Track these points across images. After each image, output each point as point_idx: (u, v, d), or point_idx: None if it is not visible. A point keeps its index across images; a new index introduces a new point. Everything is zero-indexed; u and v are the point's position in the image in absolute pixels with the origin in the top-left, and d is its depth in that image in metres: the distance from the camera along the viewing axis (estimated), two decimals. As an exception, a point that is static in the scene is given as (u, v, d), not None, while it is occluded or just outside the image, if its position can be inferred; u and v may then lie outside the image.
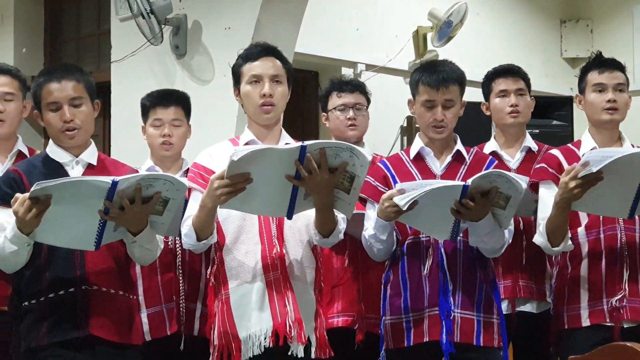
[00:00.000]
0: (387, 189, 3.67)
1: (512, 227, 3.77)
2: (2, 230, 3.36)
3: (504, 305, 4.21)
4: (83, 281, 3.46)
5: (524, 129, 4.55)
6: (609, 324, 3.81)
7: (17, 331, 3.52)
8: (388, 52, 7.85)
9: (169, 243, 4.10)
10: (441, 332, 3.67)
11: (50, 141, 3.62)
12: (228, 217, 3.61)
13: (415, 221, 3.59)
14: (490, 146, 4.49)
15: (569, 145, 4.02)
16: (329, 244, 3.70)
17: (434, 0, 7.94)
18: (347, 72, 7.42)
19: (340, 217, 3.63)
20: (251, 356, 3.54)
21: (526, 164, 4.30)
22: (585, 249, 3.87)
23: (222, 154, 3.62)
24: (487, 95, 4.56)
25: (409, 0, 8.21)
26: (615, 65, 3.99)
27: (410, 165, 3.84)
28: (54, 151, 3.59)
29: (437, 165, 3.83)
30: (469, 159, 3.85)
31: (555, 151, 3.99)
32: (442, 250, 3.72)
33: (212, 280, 3.69)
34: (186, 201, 3.58)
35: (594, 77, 3.97)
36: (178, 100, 4.33)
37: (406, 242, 3.77)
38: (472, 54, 8.01)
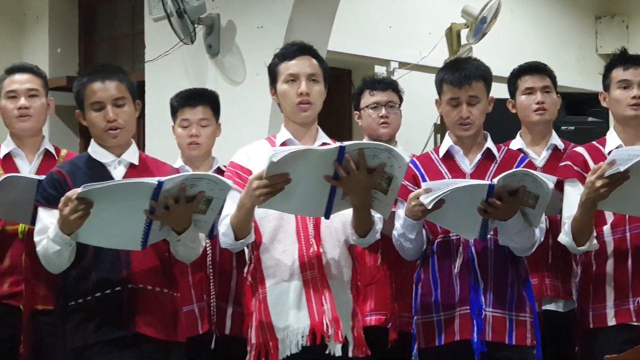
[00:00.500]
0: (416, 188, 3.65)
1: (543, 226, 3.75)
2: (47, 231, 3.40)
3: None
4: (129, 280, 3.49)
5: (550, 127, 4.53)
6: (636, 324, 3.75)
7: (63, 331, 3.54)
8: (421, 49, 7.83)
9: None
10: (472, 331, 3.65)
11: (92, 141, 3.64)
12: (265, 216, 3.62)
13: (443, 220, 3.59)
14: (516, 144, 4.45)
15: (594, 142, 3.98)
16: (366, 243, 3.70)
17: (466, -3, 7.93)
18: (380, 70, 7.42)
19: (377, 217, 3.64)
20: (288, 355, 3.55)
21: (552, 162, 4.27)
22: (610, 247, 3.82)
23: (259, 154, 3.64)
24: (512, 93, 4.54)
25: (442, -3, 8.20)
26: None
27: (439, 164, 3.83)
28: (97, 151, 3.62)
29: (466, 163, 3.81)
30: (499, 157, 3.83)
31: (580, 149, 3.95)
32: (473, 248, 3.70)
33: (249, 279, 3.70)
34: None
35: (618, 73, 3.93)
36: (205, 99, 4.34)
37: (436, 241, 3.76)
38: (506, 51, 7.98)
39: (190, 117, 4.27)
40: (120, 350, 3.46)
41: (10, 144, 4.25)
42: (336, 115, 7.70)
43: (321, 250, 3.61)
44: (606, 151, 3.86)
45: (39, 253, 3.45)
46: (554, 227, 4.14)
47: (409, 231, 3.68)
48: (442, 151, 3.85)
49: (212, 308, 4.11)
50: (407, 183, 3.75)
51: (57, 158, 4.26)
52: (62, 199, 3.24)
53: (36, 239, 3.47)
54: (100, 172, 3.54)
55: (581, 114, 7.29)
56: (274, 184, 3.30)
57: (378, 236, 3.71)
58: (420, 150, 7.16)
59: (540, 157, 4.41)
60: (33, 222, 3.89)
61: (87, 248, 3.44)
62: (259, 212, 3.57)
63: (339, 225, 3.66)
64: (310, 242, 3.61)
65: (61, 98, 8.11)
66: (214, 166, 4.30)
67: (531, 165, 3.82)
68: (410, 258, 3.84)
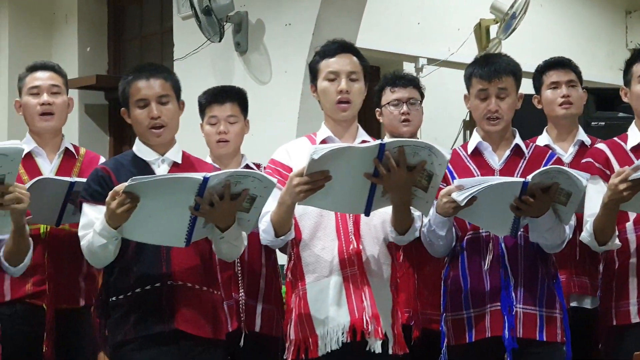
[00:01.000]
0: (444, 184, 3.63)
1: (572, 223, 3.73)
2: (92, 226, 3.43)
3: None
4: (169, 277, 3.51)
5: (576, 122, 4.51)
6: (660, 321, 3.72)
7: (104, 326, 3.57)
8: (450, 45, 7.81)
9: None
10: (503, 327, 3.64)
11: (137, 140, 3.67)
12: (305, 213, 3.63)
13: (474, 217, 3.58)
14: (542, 140, 4.43)
15: (615, 138, 3.93)
16: (405, 241, 3.71)
17: (495, -8, 7.90)
18: (408, 66, 7.40)
19: (417, 214, 3.64)
20: (329, 351, 3.56)
21: (579, 158, 4.18)
22: (633, 244, 3.76)
23: (299, 151, 3.67)
24: (538, 88, 4.53)
25: (470, -7, 8.18)
26: None
27: (468, 161, 3.82)
28: (141, 149, 3.65)
29: (495, 159, 3.79)
30: (528, 153, 3.81)
31: (602, 145, 3.91)
32: (503, 245, 3.69)
33: (289, 275, 3.71)
34: None
35: (638, 68, 3.89)
36: (233, 96, 4.33)
37: (466, 238, 3.74)
38: (534, 46, 7.94)
39: (218, 114, 4.27)
40: (159, 346, 3.47)
41: (31, 142, 4.20)
42: (365, 112, 7.68)
43: (361, 247, 3.62)
44: (628, 147, 3.82)
45: (83, 247, 3.48)
46: (581, 223, 4.11)
47: (440, 228, 3.66)
48: (471, 147, 3.84)
49: (241, 306, 4.11)
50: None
51: (77, 157, 4.26)
52: (110, 192, 3.27)
53: (80, 233, 3.49)
54: (144, 170, 3.56)
55: (611, 110, 7.24)
56: (315, 181, 3.32)
57: (417, 234, 3.71)
58: (450, 147, 7.13)
59: (567, 152, 4.39)
60: (59, 222, 3.92)
61: (129, 244, 3.46)
62: (299, 209, 3.58)
63: (378, 222, 3.66)
64: (350, 239, 3.62)
65: (91, 97, 8.20)
66: (242, 164, 4.28)
67: (560, 162, 3.80)
68: (439, 255, 3.83)
